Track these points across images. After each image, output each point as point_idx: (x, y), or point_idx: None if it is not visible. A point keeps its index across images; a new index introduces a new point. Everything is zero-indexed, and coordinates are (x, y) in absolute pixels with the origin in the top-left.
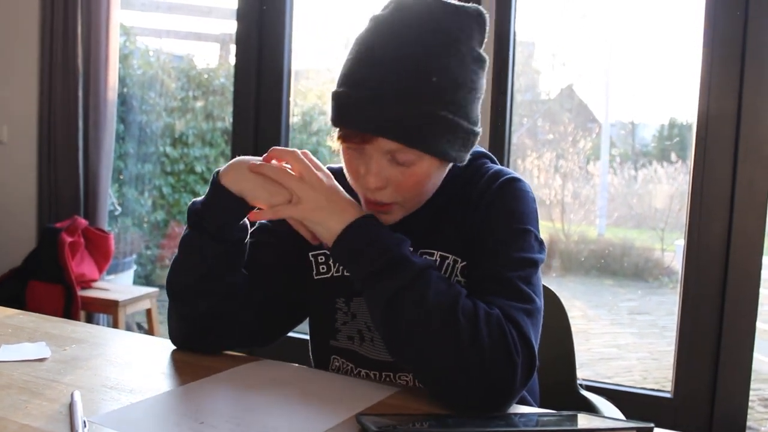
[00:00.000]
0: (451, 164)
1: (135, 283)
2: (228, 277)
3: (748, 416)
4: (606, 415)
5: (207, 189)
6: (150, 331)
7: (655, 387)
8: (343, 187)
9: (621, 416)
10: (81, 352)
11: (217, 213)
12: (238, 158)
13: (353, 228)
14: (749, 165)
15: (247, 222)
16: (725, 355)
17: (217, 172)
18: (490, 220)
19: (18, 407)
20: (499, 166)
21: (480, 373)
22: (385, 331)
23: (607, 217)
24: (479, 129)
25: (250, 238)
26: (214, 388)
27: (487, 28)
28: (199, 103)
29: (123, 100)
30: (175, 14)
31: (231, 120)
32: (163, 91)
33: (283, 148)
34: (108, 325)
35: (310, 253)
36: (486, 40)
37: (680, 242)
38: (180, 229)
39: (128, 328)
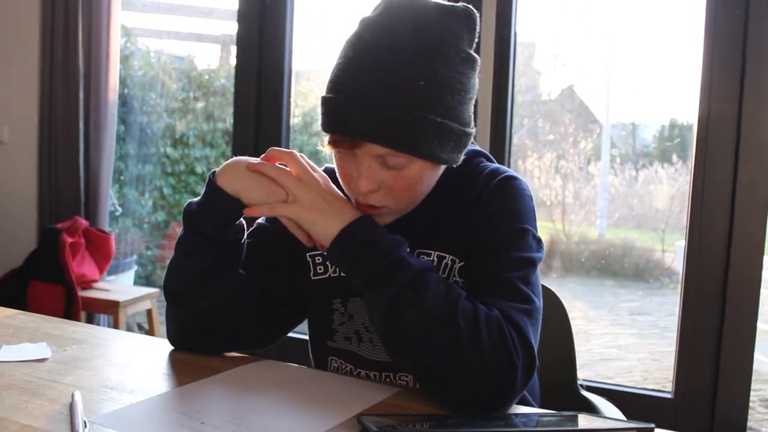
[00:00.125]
0: (445, 165)
1: (135, 283)
2: (225, 278)
3: (749, 417)
4: (606, 415)
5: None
6: (150, 332)
7: (656, 387)
8: (340, 189)
9: (621, 417)
10: (81, 352)
11: (213, 214)
12: (234, 158)
13: (350, 229)
14: (750, 166)
15: (244, 223)
16: (726, 356)
17: (213, 173)
18: (487, 219)
19: (19, 407)
20: (495, 165)
21: (480, 375)
22: (384, 334)
23: (608, 218)
24: (472, 129)
25: (247, 238)
26: (214, 389)
27: (477, 27)
28: (200, 104)
29: (124, 101)
30: (175, 15)
31: (232, 121)
32: (163, 92)
33: (281, 149)
34: (108, 326)
35: (307, 254)
36: (477, 39)
37: (681, 243)
38: (180, 229)
39: (129, 329)
